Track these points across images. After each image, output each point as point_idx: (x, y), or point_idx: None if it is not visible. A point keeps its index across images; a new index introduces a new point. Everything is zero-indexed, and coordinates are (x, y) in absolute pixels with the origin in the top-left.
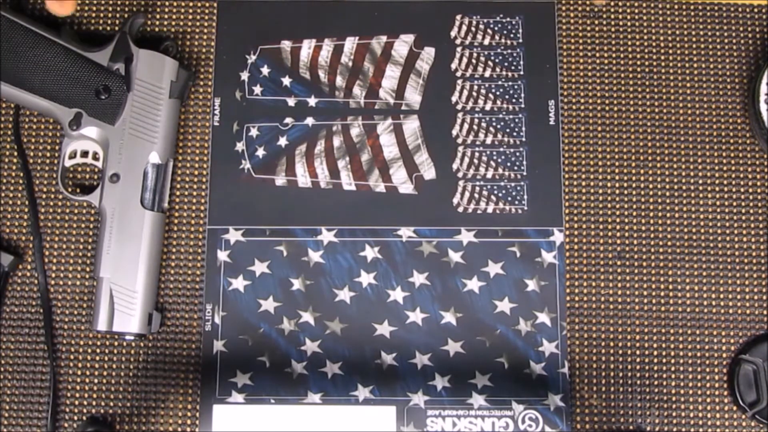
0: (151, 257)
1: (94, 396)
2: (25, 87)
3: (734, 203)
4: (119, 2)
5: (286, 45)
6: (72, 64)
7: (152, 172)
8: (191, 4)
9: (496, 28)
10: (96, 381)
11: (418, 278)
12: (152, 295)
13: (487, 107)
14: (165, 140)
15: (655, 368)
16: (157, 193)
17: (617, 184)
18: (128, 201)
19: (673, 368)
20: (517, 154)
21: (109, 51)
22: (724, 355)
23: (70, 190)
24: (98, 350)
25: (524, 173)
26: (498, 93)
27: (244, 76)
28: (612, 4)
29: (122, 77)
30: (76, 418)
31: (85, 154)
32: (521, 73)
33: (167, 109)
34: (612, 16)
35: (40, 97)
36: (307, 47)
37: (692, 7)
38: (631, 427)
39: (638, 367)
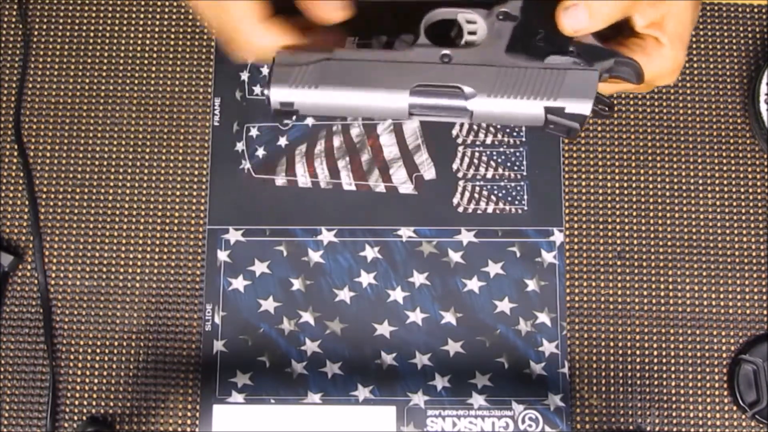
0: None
1: (94, 396)
2: None
3: (734, 203)
4: None
5: None
6: None
7: None
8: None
9: None
10: (96, 381)
11: (418, 278)
12: None
13: None
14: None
15: (655, 368)
16: None
17: (617, 184)
18: None
19: (673, 368)
20: (517, 154)
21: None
22: (724, 355)
23: None
24: (98, 350)
25: (524, 173)
26: None
27: (244, 76)
28: None
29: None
30: (76, 418)
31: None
32: None
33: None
34: None
35: None
36: None
37: None
38: (631, 427)
39: (638, 367)
